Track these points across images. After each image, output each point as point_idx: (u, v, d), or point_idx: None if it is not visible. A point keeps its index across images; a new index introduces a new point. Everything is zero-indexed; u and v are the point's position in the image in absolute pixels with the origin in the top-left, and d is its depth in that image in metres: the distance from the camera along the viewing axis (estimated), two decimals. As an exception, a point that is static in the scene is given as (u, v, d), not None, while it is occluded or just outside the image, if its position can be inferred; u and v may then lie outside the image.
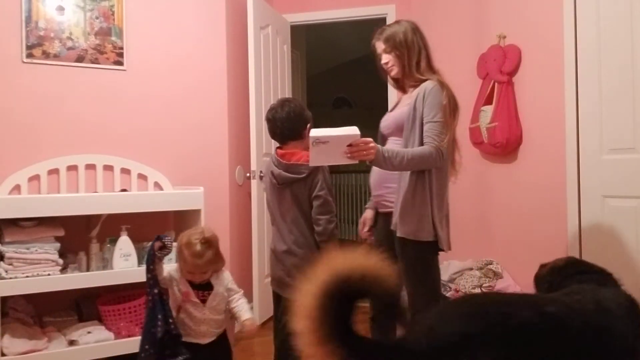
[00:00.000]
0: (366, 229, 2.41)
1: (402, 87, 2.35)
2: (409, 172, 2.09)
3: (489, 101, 3.41)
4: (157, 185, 3.31)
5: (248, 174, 3.71)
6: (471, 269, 3.37)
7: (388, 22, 4.29)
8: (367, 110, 9.35)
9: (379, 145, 2.03)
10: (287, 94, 4.25)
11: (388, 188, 2.21)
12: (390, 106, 2.45)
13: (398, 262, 2.13)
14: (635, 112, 2.70)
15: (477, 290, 3.21)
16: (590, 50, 2.90)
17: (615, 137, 2.79)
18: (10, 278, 2.55)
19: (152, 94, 3.37)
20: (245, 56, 3.62)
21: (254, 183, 3.62)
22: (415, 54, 2.22)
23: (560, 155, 3.05)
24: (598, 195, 2.87)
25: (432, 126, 2.09)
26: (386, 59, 2.24)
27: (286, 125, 2.40)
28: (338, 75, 8.40)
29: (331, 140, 1.93)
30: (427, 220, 2.07)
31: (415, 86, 2.22)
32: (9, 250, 2.57)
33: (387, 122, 2.24)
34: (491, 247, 3.50)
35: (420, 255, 2.09)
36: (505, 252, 3.38)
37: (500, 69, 3.36)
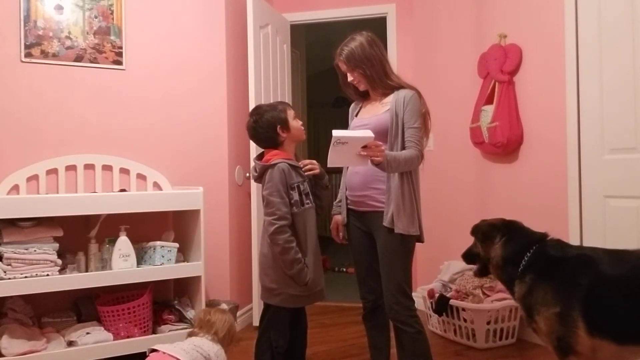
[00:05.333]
0: (342, 234, 2.51)
1: (367, 96, 2.45)
2: (397, 174, 2.24)
3: (489, 101, 3.40)
4: (157, 185, 3.30)
5: (247, 174, 3.70)
6: (472, 269, 3.36)
7: (388, 21, 4.28)
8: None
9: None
10: (287, 93, 4.24)
11: (376, 189, 2.30)
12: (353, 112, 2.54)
13: (380, 253, 2.29)
14: (637, 111, 2.69)
15: (478, 291, 3.20)
16: (591, 49, 2.89)
17: (616, 137, 2.78)
18: (9, 278, 2.54)
19: (152, 93, 3.35)
20: (245, 55, 3.60)
21: (254, 183, 3.60)
22: (377, 65, 2.32)
23: (561, 155, 3.04)
24: (599, 196, 2.86)
25: (414, 132, 2.26)
26: (351, 77, 2.36)
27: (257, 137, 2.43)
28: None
29: (350, 141, 2.07)
30: (415, 217, 2.27)
31: (386, 94, 2.35)
32: (7, 251, 2.57)
33: (368, 127, 2.29)
34: (492, 247, 3.49)
35: (407, 247, 2.28)
36: (505, 253, 3.37)
37: (501, 68, 3.34)
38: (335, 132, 2.05)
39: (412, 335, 2.25)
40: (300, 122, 2.43)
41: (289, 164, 2.32)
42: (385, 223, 2.24)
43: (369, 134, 2.10)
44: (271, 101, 3.73)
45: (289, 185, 2.29)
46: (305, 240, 2.31)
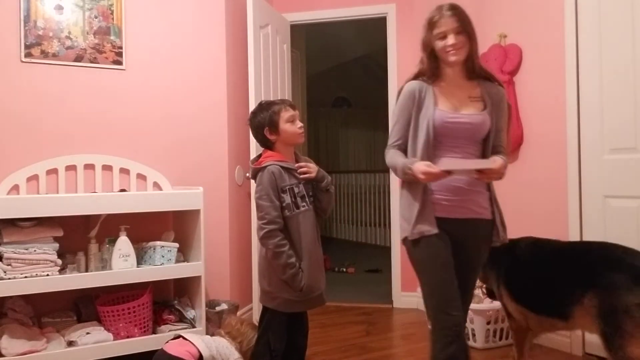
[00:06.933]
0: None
1: (438, 76, 2.06)
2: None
3: (489, 101, 3.39)
4: (157, 185, 3.30)
5: (247, 174, 3.70)
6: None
7: (388, 21, 4.27)
8: (366, 109, 9.36)
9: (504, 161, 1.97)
10: (287, 93, 4.24)
11: (480, 192, 2.05)
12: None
13: (471, 265, 2.11)
14: (637, 111, 2.69)
15: (478, 291, 3.20)
16: (591, 49, 2.89)
17: (616, 137, 2.79)
18: (9, 279, 2.54)
19: (151, 93, 3.35)
20: (245, 56, 3.60)
21: (253, 183, 3.60)
22: (475, 39, 2.02)
23: (561, 155, 3.04)
24: (599, 195, 2.86)
25: (503, 136, 2.09)
26: (456, 39, 1.95)
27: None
28: (338, 74, 8.36)
29: (455, 172, 1.95)
30: None
31: (470, 78, 2.05)
32: (7, 251, 2.56)
33: (480, 125, 2.00)
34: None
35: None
36: (505, 253, 3.37)
37: (501, 68, 3.34)
38: (443, 164, 1.90)
39: (462, 346, 2.03)
40: (299, 125, 2.32)
41: (281, 166, 2.25)
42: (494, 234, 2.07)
43: (485, 164, 1.91)
44: (271, 101, 3.74)
45: (280, 188, 2.23)
46: (300, 244, 2.24)
